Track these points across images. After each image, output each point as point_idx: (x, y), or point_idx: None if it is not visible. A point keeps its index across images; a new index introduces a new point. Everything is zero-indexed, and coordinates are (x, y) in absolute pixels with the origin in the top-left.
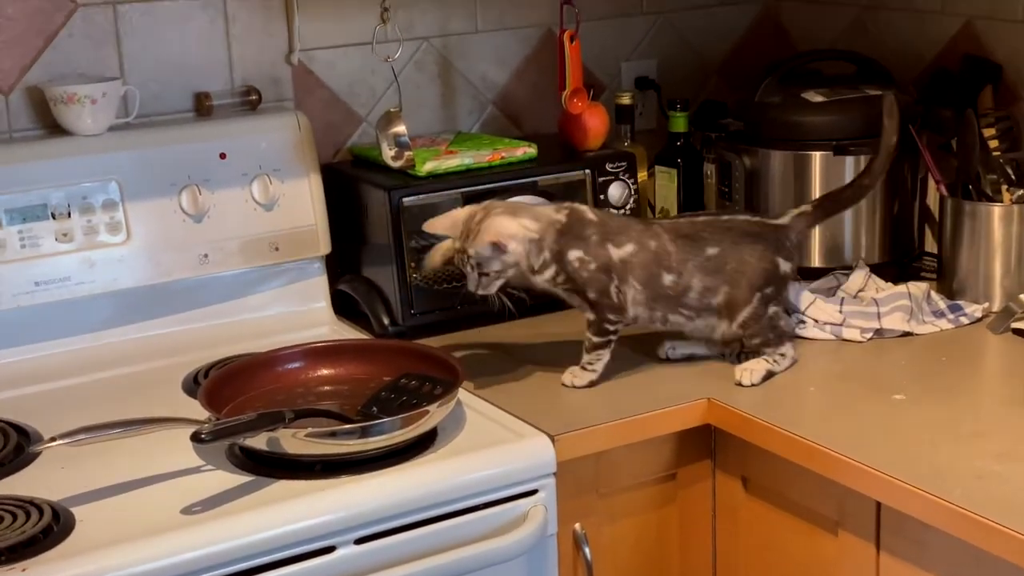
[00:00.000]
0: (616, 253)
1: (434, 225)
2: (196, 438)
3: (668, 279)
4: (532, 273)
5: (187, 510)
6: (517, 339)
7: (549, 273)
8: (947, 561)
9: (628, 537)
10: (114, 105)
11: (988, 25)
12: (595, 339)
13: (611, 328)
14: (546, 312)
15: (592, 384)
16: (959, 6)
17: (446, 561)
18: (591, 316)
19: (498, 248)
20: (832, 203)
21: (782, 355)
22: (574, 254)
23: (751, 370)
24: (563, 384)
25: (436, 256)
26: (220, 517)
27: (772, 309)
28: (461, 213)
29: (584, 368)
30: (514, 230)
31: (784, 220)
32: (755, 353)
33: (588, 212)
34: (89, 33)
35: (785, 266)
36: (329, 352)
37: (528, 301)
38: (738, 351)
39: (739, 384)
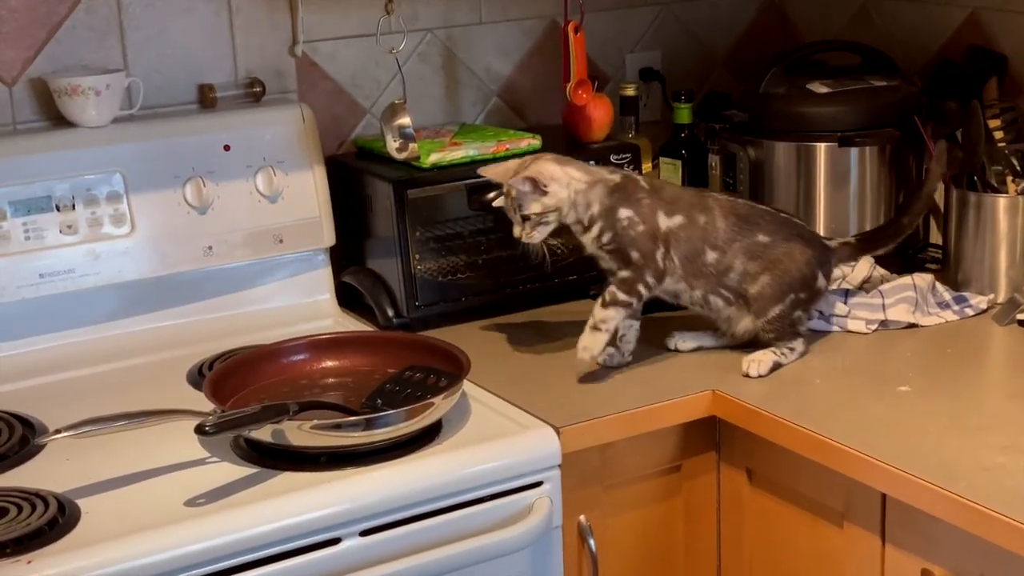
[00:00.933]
0: (665, 223)
1: (488, 171)
2: (200, 431)
3: (712, 256)
4: (582, 230)
5: (192, 502)
6: (522, 330)
7: (596, 230)
8: (953, 553)
9: (633, 529)
10: (118, 97)
11: (994, 16)
12: (620, 295)
13: (643, 290)
14: (551, 303)
15: (610, 357)
16: None
17: (451, 553)
18: (626, 274)
19: (536, 186)
20: (872, 240)
21: (791, 348)
22: (624, 212)
23: (759, 361)
24: (580, 357)
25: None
26: (225, 509)
27: (798, 313)
28: (513, 162)
29: (597, 328)
30: (557, 174)
31: (833, 244)
32: (764, 344)
33: (642, 180)
34: (92, 25)
35: (822, 282)
36: (334, 344)
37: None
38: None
39: (746, 375)
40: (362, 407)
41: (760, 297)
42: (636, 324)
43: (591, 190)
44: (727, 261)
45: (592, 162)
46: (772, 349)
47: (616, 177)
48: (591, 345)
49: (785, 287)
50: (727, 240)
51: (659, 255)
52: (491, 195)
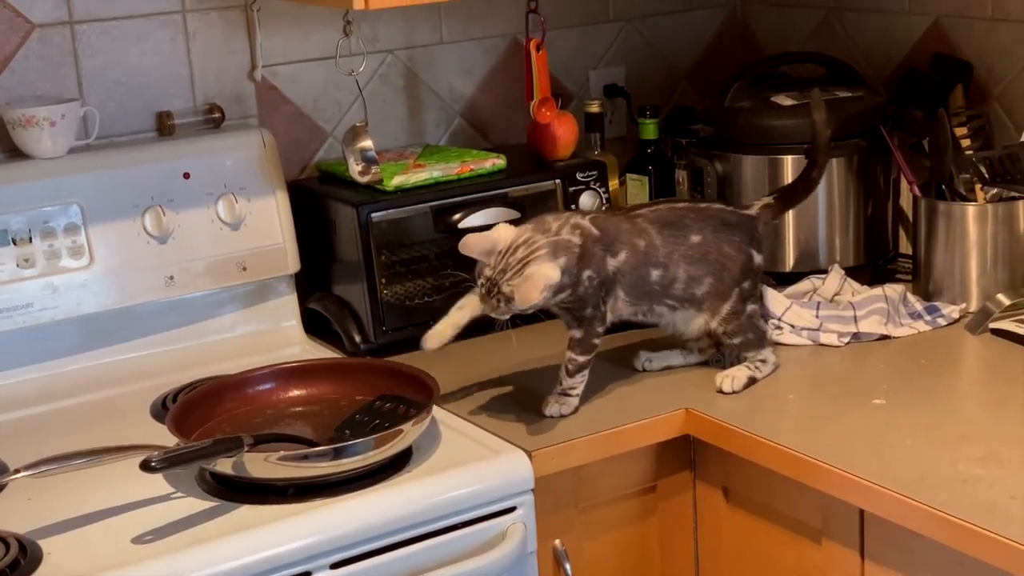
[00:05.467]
0: (612, 264)
1: (470, 247)
2: (146, 467)
3: (655, 274)
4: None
5: (157, 539)
6: (490, 354)
7: (562, 296)
8: (932, 567)
9: (609, 552)
10: (74, 127)
11: (957, 23)
12: (580, 359)
13: (597, 343)
14: (520, 326)
15: (576, 410)
16: (926, 5)
17: None
18: (579, 334)
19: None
20: (790, 195)
21: (763, 361)
22: (586, 274)
23: (733, 377)
24: (549, 416)
25: (447, 330)
26: (191, 545)
27: (750, 307)
28: (501, 239)
29: (566, 394)
30: (555, 278)
31: (753, 211)
32: (736, 359)
33: (591, 226)
34: (46, 54)
35: (758, 258)
36: (300, 372)
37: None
38: (717, 357)
39: (720, 391)
40: (330, 439)
41: (707, 297)
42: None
43: (567, 270)
44: (671, 274)
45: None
46: (746, 364)
47: (576, 239)
48: (563, 410)
49: (729, 282)
50: (667, 254)
51: (604, 303)
52: (456, 216)
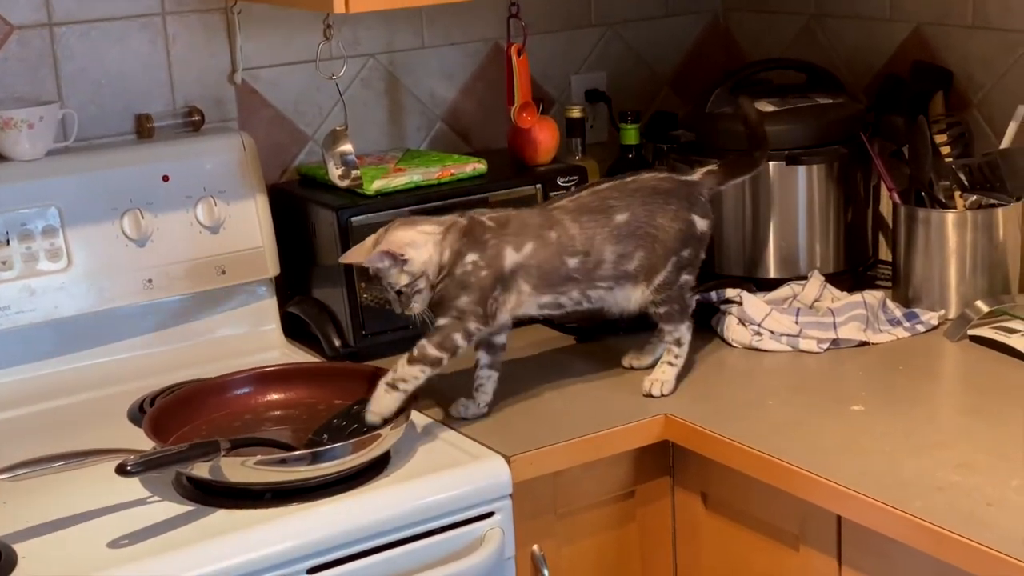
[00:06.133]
0: (512, 259)
1: (346, 257)
2: (122, 471)
3: (573, 263)
4: (432, 283)
5: (132, 543)
6: (468, 359)
7: (439, 277)
8: (909, 573)
9: (588, 557)
10: (52, 129)
11: (937, 31)
12: (431, 351)
13: (461, 341)
14: None
15: (462, 406)
16: (907, 13)
17: None
18: (444, 321)
19: (393, 258)
20: (734, 165)
21: (679, 344)
22: (470, 257)
23: (661, 381)
24: (369, 421)
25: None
26: (167, 550)
27: (684, 277)
28: (369, 240)
29: (393, 385)
30: (409, 237)
31: (694, 176)
32: (657, 333)
33: (487, 218)
34: (25, 56)
35: (702, 223)
36: (279, 376)
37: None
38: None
39: (649, 395)
40: (306, 444)
41: (640, 270)
42: (495, 375)
43: (445, 238)
44: (594, 259)
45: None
46: (666, 361)
47: (463, 220)
48: (380, 409)
49: (662, 252)
50: (586, 240)
51: (491, 299)
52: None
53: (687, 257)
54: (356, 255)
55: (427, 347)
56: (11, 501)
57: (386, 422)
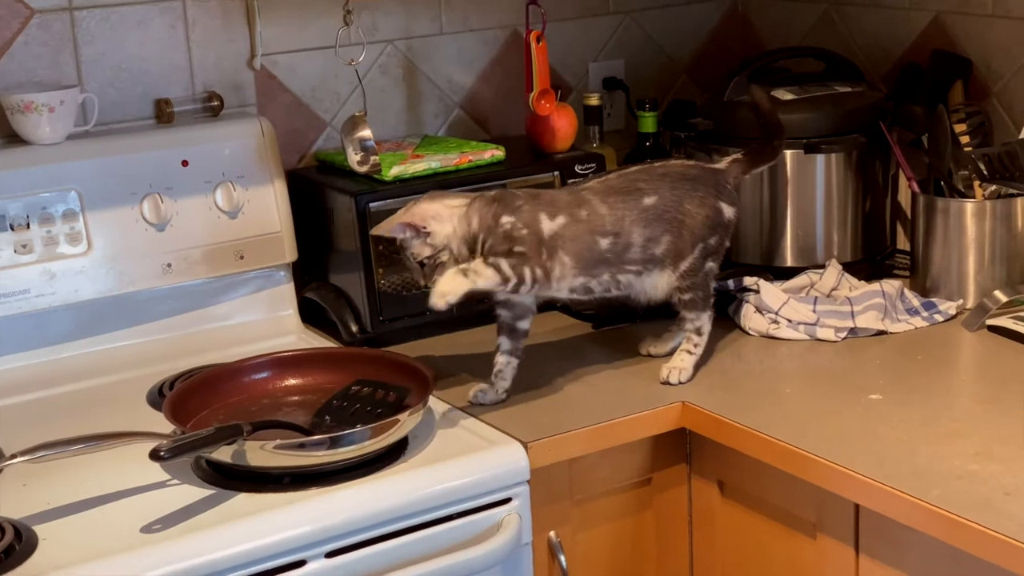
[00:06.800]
0: (548, 226)
1: (376, 229)
2: (155, 455)
3: (604, 243)
4: (468, 252)
5: (152, 527)
6: (487, 345)
7: (479, 243)
8: (927, 563)
9: (604, 544)
10: (72, 113)
11: (957, 20)
12: (505, 267)
13: (528, 276)
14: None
15: (480, 391)
16: (927, 1)
17: (419, 573)
18: (515, 260)
19: (416, 229)
20: (758, 153)
21: (699, 332)
22: (506, 219)
23: (679, 368)
24: (433, 304)
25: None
26: (186, 533)
27: (709, 264)
28: (400, 211)
29: (463, 274)
30: (433, 210)
31: (720, 165)
32: (679, 320)
33: (517, 191)
34: (46, 40)
35: (728, 211)
36: (297, 361)
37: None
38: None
39: (666, 383)
40: (311, 426)
41: (668, 254)
42: (515, 362)
43: (471, 208)
44: (624, 240)
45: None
46: (684, 349)
47: (491, 192)
48: (447, 289)
49: (689, 238)
50: (615, 221)
51: (544, 257)
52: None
53: (713, 244)
54: (385, 227)
55: (502, 262)
56: (31, 483)
57: (449, 307)
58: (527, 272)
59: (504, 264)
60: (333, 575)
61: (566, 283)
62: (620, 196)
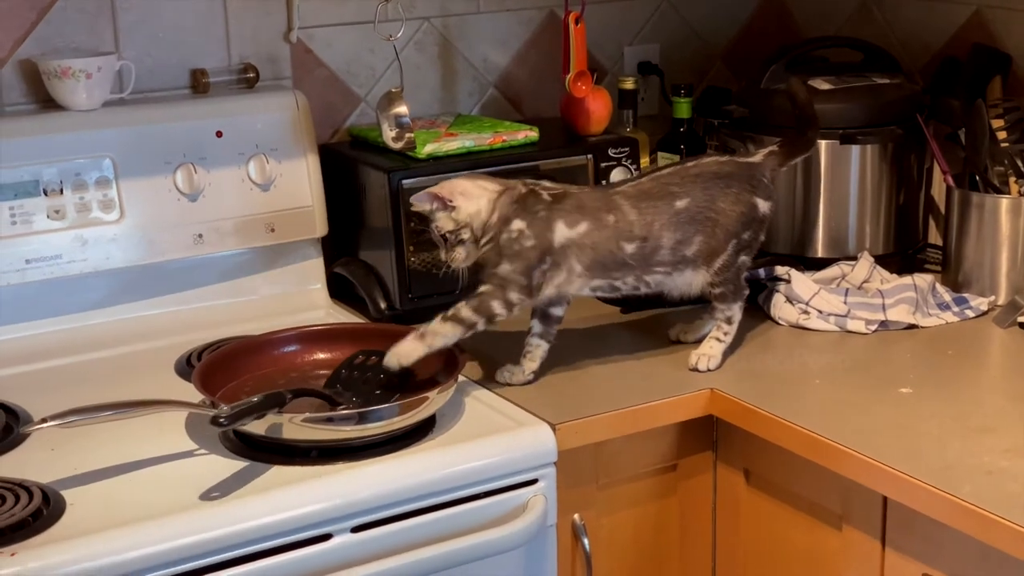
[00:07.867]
0: (563, 234)
1: (415, 197)
2: (216, 422)
3: (631, 248)
4: (474, 241)
5: (180, 495)
6: (518, 325)
7: (484, 238)
8: (954, 558)
9: (627, 528)
10: (109, 80)
11: (998, 14)
12: (465, 313)
13: (499, 309)
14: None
15: (508, 371)
16: None
17: (444, 551)
18: (485, 288)
19: (442, 201)
20: (793, 144)
21: (729, 320)
22: (517, 224)
23: (708, 356)
24: (386, 364)
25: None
26: (214, 503)
27: (742, 258)
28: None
29: (421, 337)
30: (464, 187)
31: (755, 158)
32: (709, 309)
33: (545, 190)
34: (84, 6)
35: (764, 206)
36: (325, 336)
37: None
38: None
39: (695, 369)
40: (322, 393)
41: (700, 255)
42: (545, 345)
43: (499, 199)
44: (652, 244)
45: None
46: (714, 336)
47: (522, 188)
48: (402, 352)
49: (723, 236)
50: (644, 226)
51: (537, 272)
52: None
53: (747, 239)
54: (416, 197)
55: (462, 309)
56: (59, 448)
57: (402, 369)
58: (496, 305)
59: (465, 311)
60: (358, 550)
61: (572, 288)
62: (652, 201)
